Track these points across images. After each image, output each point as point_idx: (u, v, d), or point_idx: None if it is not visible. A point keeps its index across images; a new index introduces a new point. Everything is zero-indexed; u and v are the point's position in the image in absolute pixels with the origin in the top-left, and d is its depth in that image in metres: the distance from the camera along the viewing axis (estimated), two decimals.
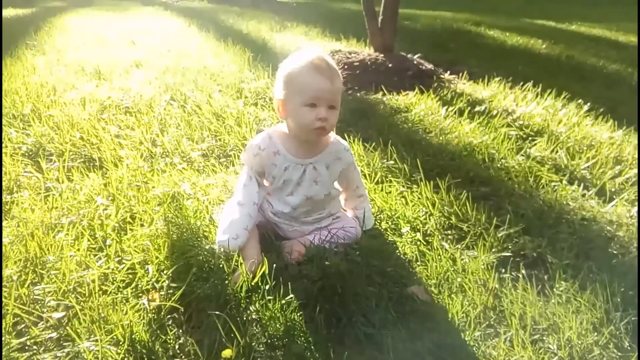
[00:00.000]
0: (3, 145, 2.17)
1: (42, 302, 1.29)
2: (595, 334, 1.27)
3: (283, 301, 1.28)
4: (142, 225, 1.63)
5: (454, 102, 3.02)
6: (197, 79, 3.38)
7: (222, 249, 1.44)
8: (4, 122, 2.41)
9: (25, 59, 3.77)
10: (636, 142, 2.64)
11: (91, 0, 8.84)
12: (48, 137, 2.26)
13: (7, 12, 6.79)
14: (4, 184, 1.87)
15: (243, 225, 1.46)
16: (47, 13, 7.13)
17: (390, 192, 1.92)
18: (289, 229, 1.63)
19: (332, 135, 1.59)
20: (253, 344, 1.20)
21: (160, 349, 1.19)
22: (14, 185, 1.87)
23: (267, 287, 1.32)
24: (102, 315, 1.23)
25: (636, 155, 2.43)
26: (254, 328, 1.24)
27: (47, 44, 4.45)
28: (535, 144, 2.47)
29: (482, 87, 3.50)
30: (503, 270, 1.52)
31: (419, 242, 1.64)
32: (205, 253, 1.46)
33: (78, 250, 1.46)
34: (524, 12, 9.95)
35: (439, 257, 1.54)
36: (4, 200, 1.77)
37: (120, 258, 1.46)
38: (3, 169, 1.96)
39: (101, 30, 5.42)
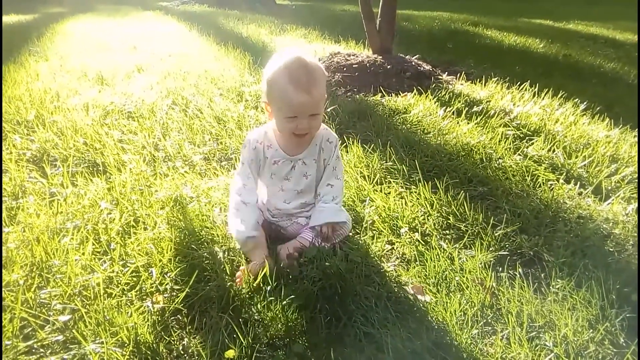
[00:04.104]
0: (8, 151, 2.20)
1: (49, 305, 1.31)
2: (591, 330, 1.30)
3: (284, 302, 1.31)
4: (145, 228, 1.65)
5: (452, 102, 3.04)
6: (198, 83, 3.41)
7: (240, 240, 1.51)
8: (8, 128, 2.45)
9: (28, 65, 3.80)
10: (632, 140, 2.66)
11: (92, 6, 8.90)
12: (52, 143, 2.29)
13: (9, 19, 6.84)
14: (9, 189, 1.90)
15: (256, 220, 1.54)
16: (49, 19, 7.17)
17: (389, 193, 1.95)
18: (288, 223, 1.68)
19: (321, 127, 1.58)
20: (255, 344, 1.22)
21: (164, 350, 1.21)
22: (19, 191, 1.90)
23: (269, 288, 1.35)
24: (107, 317, 1.25)
25: (632, 153, 2.45)
26: (256, 328, 1.27)
27: (49, 50, 4.49)
28: (532, 144, 2.49)
29: (480, 87, 3.52)
30: (500, 269, 1.54)
31: (417, 242, 1.66)
32: (208, 255, 1.49)
33: (83, 254, 1.49)
34: (522, 12, 9.98)
35: (437, 256, 1.57)
36: (9, 206, 1.80)
37: (124, 261, 1.49)
38: (9, 175, 1.99)
39: (103, 36, 5.46)
